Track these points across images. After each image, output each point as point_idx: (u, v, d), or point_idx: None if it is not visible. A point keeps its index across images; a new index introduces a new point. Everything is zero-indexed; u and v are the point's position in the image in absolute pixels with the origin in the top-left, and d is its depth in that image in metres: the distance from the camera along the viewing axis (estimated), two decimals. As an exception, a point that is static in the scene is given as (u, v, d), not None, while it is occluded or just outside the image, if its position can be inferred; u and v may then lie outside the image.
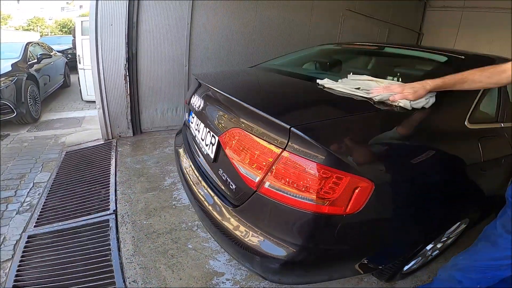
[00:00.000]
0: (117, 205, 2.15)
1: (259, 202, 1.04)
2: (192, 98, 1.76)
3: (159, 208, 2.12)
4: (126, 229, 1.90)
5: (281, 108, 1.20)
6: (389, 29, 5.55)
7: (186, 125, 1.98)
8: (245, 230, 1.08)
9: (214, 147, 1.32)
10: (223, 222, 1.17)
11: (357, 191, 0.92)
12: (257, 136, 1.06)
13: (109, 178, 2.55)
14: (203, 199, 1.34)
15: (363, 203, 0.94)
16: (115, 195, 2.29)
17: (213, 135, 1.35)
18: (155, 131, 3.68)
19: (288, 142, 0.94)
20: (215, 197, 1.26)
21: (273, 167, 0.98)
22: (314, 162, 0.90)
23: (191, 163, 1.64)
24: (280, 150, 0.96)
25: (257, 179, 1.02)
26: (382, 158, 1.00)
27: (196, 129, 1.63)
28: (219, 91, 1.39)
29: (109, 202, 2.20)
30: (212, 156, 1.34)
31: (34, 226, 1.98)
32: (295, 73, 1.93)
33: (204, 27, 3.58)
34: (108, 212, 2.08)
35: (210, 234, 1.41)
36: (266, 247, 1.02)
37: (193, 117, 1.75)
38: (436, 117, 1.18)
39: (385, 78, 1.41)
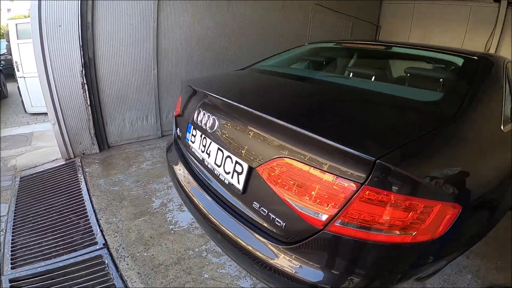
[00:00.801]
0: (106, 237, 1.88)
1: (326, 241, 0.90)
2: (192, 112, 1.51)
3: (156, 236, 1.89)
4: (127, 264, 1.66)
5: (349, 131, 1.00)
6: (352, 22, 5.71)
7: (179, 140, 1.77)
8: (306, 269, 0.94)
9: (243, 177, 1.13)
10: (270, 260, 1.02)
11: (447, 217, 0.86)
12: (321, 170, 0.87)
13: (85, 206, 2.23)
14: (232, 234, 1.16)
15: (449, 225, 0.89)
16: (99, 226, 2.00)
17: (237, 162, 1.16)
18: (125, 144, 3.32)
19: (370, 176, 0.79)
20: (253, 233, 1.10)
21: (348, 204, 0.83)
22: (401, 194, 0.79)
23: (198, 186, 1.45)
24: (358, 184, 0.81)
25: (324, 217, 0.87)
26: (469, 177, 0.95)
27: (203, 151, 1.42)
28: (246, 108, 1.15)
29: (94, 234, 1.92)
30: (240, 187, 1.14)
31: (11, 268, 1.66)
32: (328, 82, 1.70)
33: (172, 26, 3.29)
34: (97, 246, 1.81)
35: (242, 267, 1.25)
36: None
37: (194, 135, 1.54)
38: (489, 124, 1.17)
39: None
